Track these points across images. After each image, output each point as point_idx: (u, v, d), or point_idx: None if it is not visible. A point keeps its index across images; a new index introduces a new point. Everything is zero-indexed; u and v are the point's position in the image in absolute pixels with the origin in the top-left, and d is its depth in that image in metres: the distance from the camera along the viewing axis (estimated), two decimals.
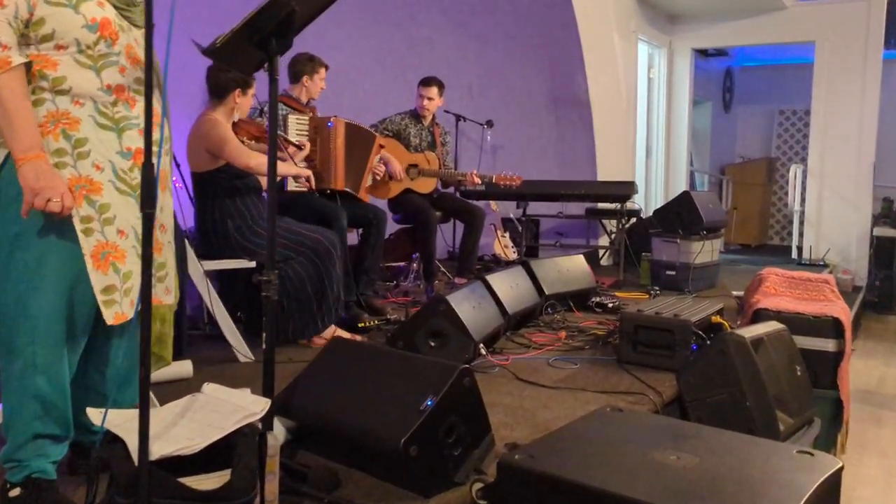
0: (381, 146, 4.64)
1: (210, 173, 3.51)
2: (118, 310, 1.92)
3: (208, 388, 1.87)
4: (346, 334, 3.68)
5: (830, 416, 3.48)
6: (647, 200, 8.09)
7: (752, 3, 7.62)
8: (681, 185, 8.30)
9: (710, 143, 10.29)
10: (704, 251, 5.29)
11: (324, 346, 2.48)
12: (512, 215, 6.47)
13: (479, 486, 2.03)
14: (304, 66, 4.28)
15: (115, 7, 1.95)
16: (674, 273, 5.25)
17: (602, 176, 6.74)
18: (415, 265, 5.35)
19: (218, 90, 3.53)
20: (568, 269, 4.49)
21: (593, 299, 4.52)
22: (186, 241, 3.25)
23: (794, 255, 8.10)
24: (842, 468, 1.81)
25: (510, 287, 3.81)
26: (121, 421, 1.64)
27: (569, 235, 7.07)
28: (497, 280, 3.71)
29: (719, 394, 2.84)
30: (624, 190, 5.93)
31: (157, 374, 3.04)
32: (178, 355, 3.32)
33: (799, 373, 3.06)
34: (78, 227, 1.86)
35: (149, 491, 1.52)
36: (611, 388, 3.01)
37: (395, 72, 6.62)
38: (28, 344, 1.84)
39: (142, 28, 2.03)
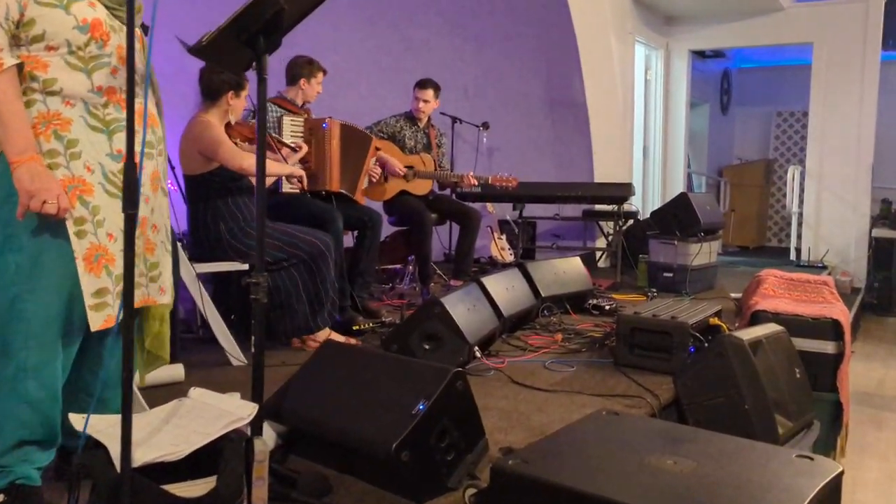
0: (378, 149, 4.61)
1: (203, 175, 3.48)
2: (111, 312, 1.89)
3: (195, 392, 1.83)
4: (340, 337, 3.65)
5: (830, 419, 3.44)
6: (645, 202, 8.06)
7: (749, 4, 7.60)
8: (678, 187, 8.26)
9: (707, 144, 10.27)
10: (702, 253, 5.26)
11: (315, 350, 2.45)
12: (508, 217, 6.44)
13: (472, 491, 1.99)
14: (303, 68, 4.25)
15: (107, 7, 1.93)
16: (671, 275, 5.22)
17: (599, 178, 6.71)
18: (410, 267, 5.32)
19: (210, 92, 3.49)
20: (564, 271, 4.46)
21: (590, 301, 4.48)
22: (179, 244, 3.22)
23: (793, 256, 8.07)
24: (842, 473, 1.77)
25: (506, 289, 3.77)
26: (104, 426, 1.60)
27: (566, 237, 7.03)
28: (492, 282, 3.67)
29: (717, 397, 2.80)
30: (620, 192, 5.90)
31: (148, 378, 3.01)
32: (170, 359, 3.29)
33: (798, 375, 3.03)
34: (71, 229, 1.84)
35: (131, 499, 1.48)
36: (607, 392, 2.98)
37: (391, 74, 6.59)
38: (21, 348, 1.81)
39: (134, 28, 2.01)
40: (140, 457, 1.53)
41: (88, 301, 1.85)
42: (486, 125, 6.36)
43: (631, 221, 6.46)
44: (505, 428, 2.56)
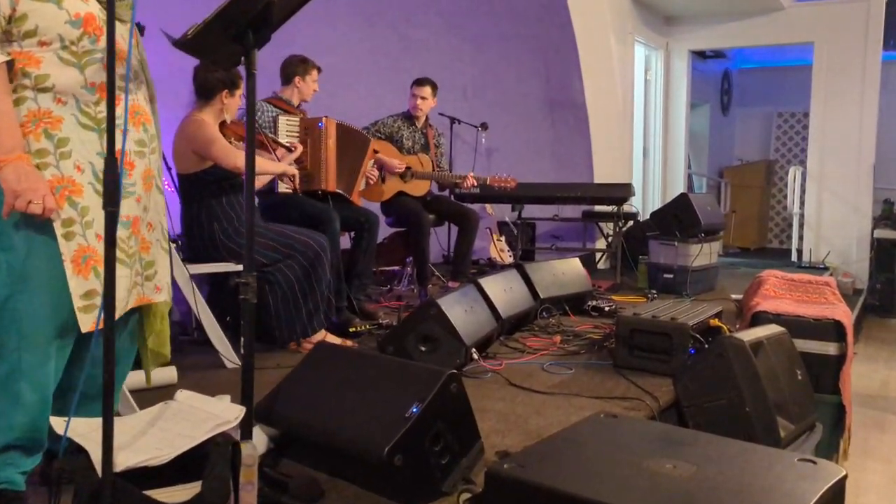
0: (376, 151, 4.58)
1: (197, 175, 3.44)
2: (100, 314, 1.85)
3: (181, 395, 1.79)
4: (336, 339, 3.60)
5: (832, 422, 3.40)
6: (645, 203, 8.01)
7: (750, 4, 7.55)
8: (678, 188, 8.22)
9: (708, 145, 10.23)
10: (703, 254, 5.21)
11: (307, 352, 2.40)
12: (507, 219, 6.39)
13: (466, 496, 1.95)
14: (297, 67, 4.22)
15: (99, 2, 1.90)
16: (671, 276, 5.17)
17: (599, 179, 6.67)
18: (408, 269, 5.27)
19: (205, 90, 3.46)
20: (563, 272, 4.41)
21: (589, 303, 4.44)
22: (173, 245, 3.18)
23: (794, 258, 8.02)
24: (845, 477, 1.73)
25: (504, 291, 3.73)
26: (85, 430, 1.56)
27: (565, 239, 6.99)
28: (490, 283, 3.63)
29: (718, 399, 2.76)
30: (620, 192, 5.85)
31: (139, 381, 2.97)
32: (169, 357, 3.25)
33: (800, 377, 2.98)
34: (58, 231, 1.81)
35: None
36: (606, 394, 2.93)
37: (389, 74, 6.54)
38: (14, 349, 1.79)
39: (126, 23, 1.98)
40: (122, 461, 1.49)
41: (77, 303, 1.83)
42: (484, 126, 6.32)
43: (631, 222, 6.41)
44: (502, 431, 2.52)
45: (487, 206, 6.34)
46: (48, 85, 1.81)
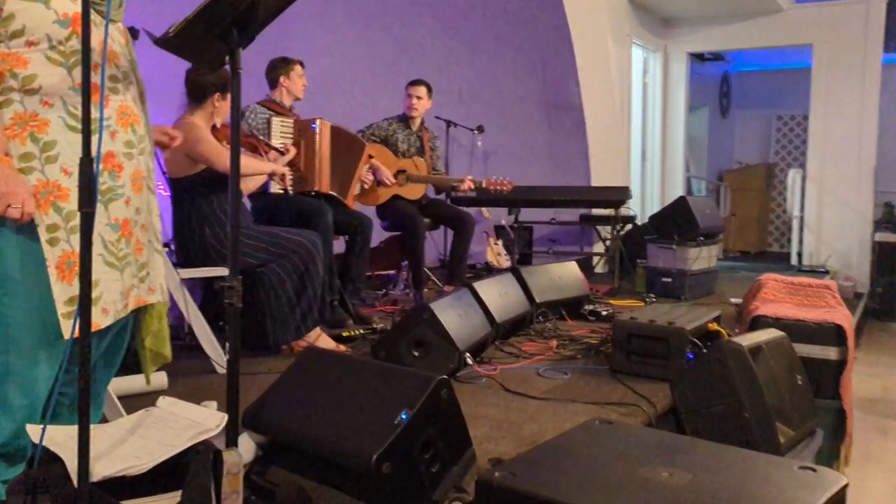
0: (371, 156, 4.54)
1: (188, 178, 3.40)
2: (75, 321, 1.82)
3: (164, 402, 1.74)
4: (330, 341, 3.55)
5: (833, 428, 3.35)
6: (643, 207, 7.97)
7: (748, 6, 7.52)
8: (677, 191, 8.18)
9: (707, 148, 10.19)
10: (701, 258, 5.17)
11: (296, 357, 2.35)
12: (504, 222, 6.34)
13: None
14: (279, 68, 4.20)
15: (88, 3, 1.86)
16: (670, 280, 5.13)
17: (596, 182, 6.62)
18: (404, 273, 5.23)
19: (196, 93, 3.42)
20: (560, 276, 4.36)
21: (586, 307, 4.39)
22: (163, 250, 3.14)
23: (794, 261, 7.98)
24: (846, 486, 1.67)
25: (499, 295, 3.68)
26: (62, 438, 1.51)
27: (563, 242, 6.94)
28: (485, 287, 3.58)
29: (716, 405, 2.70)
30: (617, 195, 5.80)
31: (129, 386, 2.93)
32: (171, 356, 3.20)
33: (800, 382, 2.93)
34: (43, 236, 1.78)
35: None
36: (602, 399, 2.88)
37: (385, 77, 6.51)
38: (2, 352, 1.76)
39: (114, 22, 1.95)
40: (100, 471, 1.44)
41: (61, 309, 1.80)
42: (480, 129, 6.28)
43: (629, 226, 6.37)
44: (495, 437, 2.47)
45: (484, 209, 6.29)
46: (35, 86, 1.78)
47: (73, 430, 1.50)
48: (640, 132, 8.04)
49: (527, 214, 6.26)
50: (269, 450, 2.19)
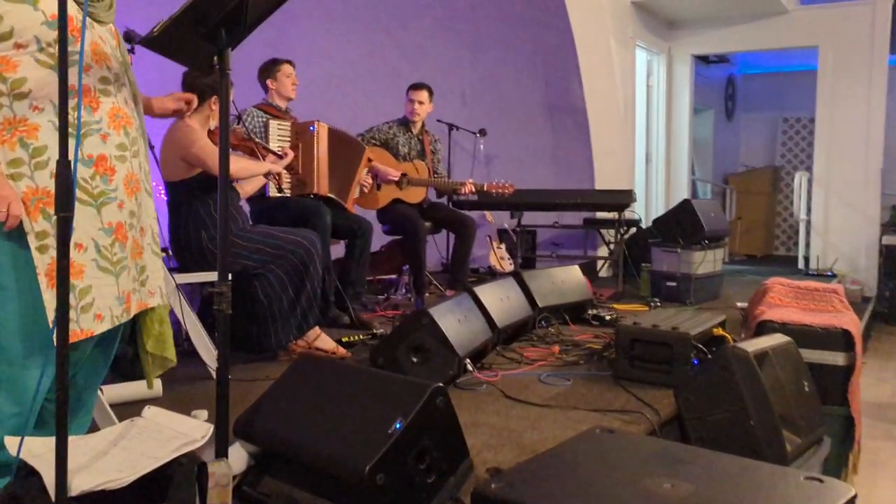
0: (370, 160, 4.49)
1: (184, 182, 3.36)
2: (74, 328, 1.79)
3: (149, 411, 1.70)
4: (329, 341, 3.49)
5: (841, 435, 3.28)
6: (648, 210, 7.90)
7: (753, 8, 7.45)
8: (682, 195, 8.10)
9: (712, 151, 10.11)
10: (707, 261, 5.11)
11: (289, 365, 2.30)
12: (507, 226, 6.29)
13: None
14: (265, 72, 4.18)
15: (77, 3, 1.83)
16: (674, 284, 5.07)
17: (600, 185, 6.56)
18: (405, 278, 5.17)
19: None
20: (563, 280, 4.31)
21: (590, 311, 4.33)
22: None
23: (801, 265, 7.89)
24: (855, 497, 1.62)
25: (500, 300, 3.63)
26: (41, 450, 1.46)
27: (566, 246, 6.88)
28: (486, 292, 3.53)
29: (721, 412, 2.64)
30: (621, 199, 5.74)
31: (123, 393, 2.89)
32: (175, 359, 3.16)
33: (806, 389, 2.87)
34: (33, 244, 1.75)
35: None
36: (605, 406, 2.82)
37: (386, 80, 6.47)
38: None
39: (106, 24, 1.92)
40: (79, 484, 1.39)
41: (52, 316, 1.76)
42: (482, 132, 6.22)
43: (633, 229, 6.31)
44: (494, 446, 2.41)
45: (487, 213, 6.24)
46: (25, 90, 1.75)
47: (53, 441, 1.45)
48: (644, 135, 7.97)
49: (530, 218, 6.20)
50: (262, 460, 2.14)
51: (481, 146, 6.40)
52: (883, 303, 7.31)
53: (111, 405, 2.71)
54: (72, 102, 1.80)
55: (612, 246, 6.42)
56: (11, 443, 1.51)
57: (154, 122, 3.58)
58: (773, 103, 10.39)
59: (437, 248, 5.80)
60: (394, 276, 5.41)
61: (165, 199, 3.59)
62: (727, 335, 3.28)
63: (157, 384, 2.93)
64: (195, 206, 3.35)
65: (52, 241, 1.77)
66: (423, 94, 4.95)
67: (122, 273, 1.91)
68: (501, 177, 5.08)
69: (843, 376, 3.38)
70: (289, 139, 3.97)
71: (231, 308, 3.49)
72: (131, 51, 3.79)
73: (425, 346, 2.96)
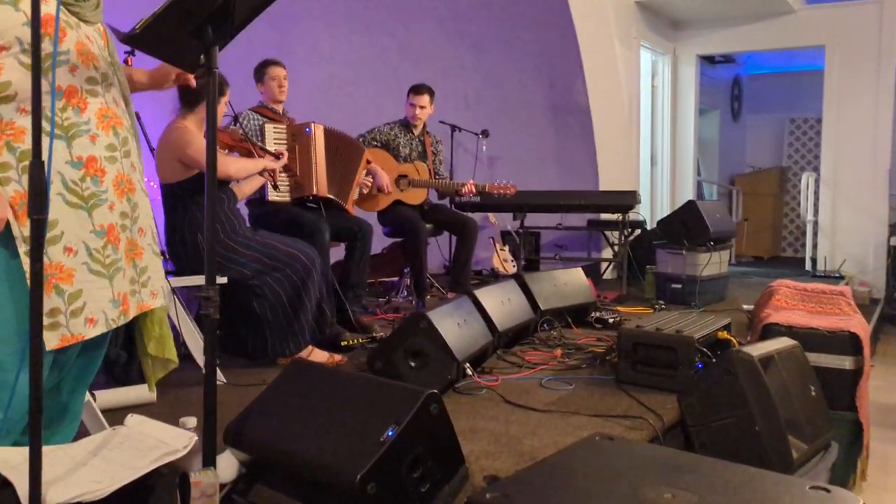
0: (369, 161, 4.44)
1: (180, 184, 3.32)
2: (64, 332, 1.77)
3: (132, 420, 1.65)
4: (323, 355, 3.45)
5: (849, 440, 3.21)
6: (653, 212, 7.84)
7: (759, 7, 7.38)
8: (688, 196, 8.03)
9: (718, 152, 10.04)
10: (712, 263, 5.04)
11: (281, 371, 2.25)
12: (510, 228, 6.23)
13: None
14: (256, 73, 4.14)
15: (62, 3, 1.79)
16: (680, 286, 5.00)
17: (604, 186, 6.50)
18: (407, 280, 5.12)
19: (188, 98, 3.34)
20: (565, 282, 4.24)
21: (593, 314, 4.27)
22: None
23: (809, 266, 7.81)
24: None
25: (501, 302, 3.57)
26: (18, 460, 1.41)
27: (570, 248, 6.82)
28: (486, 295, 3.47)
29: (725, 418, 2.58)
30: (625, 200, 5.67)
31: (117, 399, 2.84)
32: (142, 378, 3.11)
33: (813, 393, 2.80)
34: (21, 248, 1.71)
35: None
36: (606, 412, 2.76)
37: (389, 82, 6.42)
38: None
39: (93, 24, 1.88)
40: (54, 496, 1.34)
41: (42, 321, 1.70)
42: (485, 133, 6.17)
43: (638, 231, 6.24)
44: (493, 453, 2.36)
45: (490, 215, 6.19)
46: (10, 93, 1.71)
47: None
48: (649, 136, 7.91)
49: (533, 220, 6.15)
50: (253, 468, 2.10)
51: (484, 147, 6.35)
52: (891, 305, 7.23)
53: (106, 410, 2.68)
54: (60, 103, 1.78)
55: (616, 248, 6.36)
56: None
57: (155, 124, 3.54)
58: (780, 104, 10.31)
59: (439, 250, 5.75)
60: (395, 279, 5.36)
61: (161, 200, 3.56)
62: (732, 338, 3.21)
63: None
64: (191, 209, 3.31)
65: None
66: (425, 99, 4.90)
67: (117, 275, 1.88)
68: (505, 178, 5.03)
69: (851, 380, 3.32)
70: (285, 142, 3.92)
71: (223, 313, 3.46)
72: (132, 52, 3.76)
73: (423, 351, 2.90)
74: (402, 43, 6.62)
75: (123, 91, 2.00)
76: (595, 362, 3.44)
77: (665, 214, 6.86)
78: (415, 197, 4.85)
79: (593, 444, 2.00)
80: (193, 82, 2.22)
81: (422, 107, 4.91)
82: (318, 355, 3.44)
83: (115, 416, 2.47)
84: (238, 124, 3.84)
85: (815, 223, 7.81)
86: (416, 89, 4.93)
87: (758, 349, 2.69)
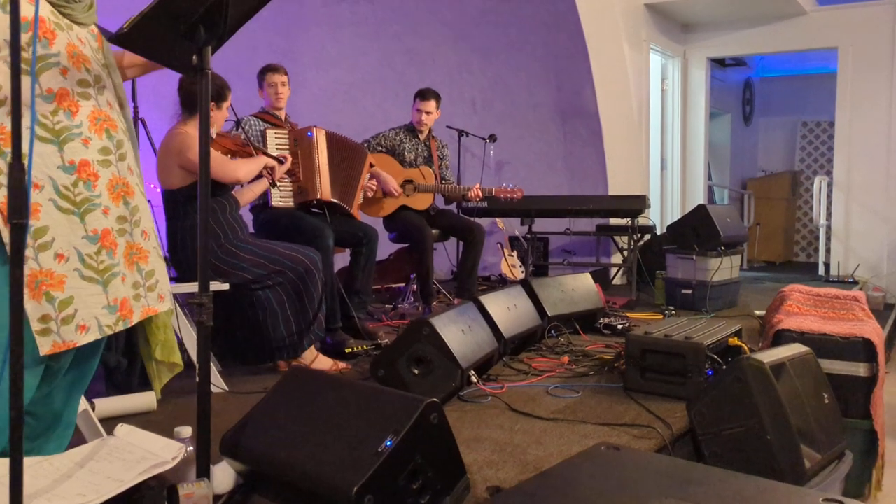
0: (372, 164, 4.40)
1: (182, 190, 3.29)
2: (56, 339, 1.74)
3: (121, 430, 1.60)
4: (327, 361, 3.41)
5: (864, 449, 3.14)
6: (663, 216, 7.76)
7: (770, 9, 7.30)
8: (698, 200, 7.95)
9: (729, 156, 9.94)
10: (723, 268, 4.97)
11: (279, 379, 2.21)
12: (518, 233, 6.17)
13: None
14: (258, 79, 4.07)
15: (52, 4, 1.76)
16: (690, 292, 4.93)
17: (614, 191, 6.43)
18: (413, 286, 5.07)
19: (190, 103, 3.31)
20: (573, 288, 4.18)
21: (602, 320, 4.20)
22: None
23: (822, 271, 7.71)
24: None
25: (507, 309, 3.51)
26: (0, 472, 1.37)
27: (579, 254, 6.75)
28: (492, 301, 3.42)
29: (736, 426, 2.51)
30: (634, 204, 5.60)
31: (118, 406, 2.81)
32: (142, 385, 3.08)
33: (826, 401, 2.73)
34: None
35: None
36: (614, 420, 2.70)
37: (396, 87, 6.39)
38: None
39: (85, 25, 1.85)
40: None
41: (35, 326, 1.70)
42: (492, 137, 6.11)
43: (647, 236, 6.16)
44: (497, 462, 2.30)
45: (498, 220, 6.13)
46: (0, 97, 1.68)
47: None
48: (658, 140, 7.84)
49: (542, 225, 6.08)
50: (250, 478, 2.05)
51: (491, 152, 6.29)
52: None
53: (106, 419, 2.64)
54: (51, 107, 1.75)
55: (625, 253, 6.28)
56: None
57: (160, 130, 3.51)
58: (792, 107, 10.21)
59: (447, 256, 5.70)
60: (402, 285, 5.32)
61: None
62: (743, 345, 3.15)
63: (151, 397, 2.87)
64: (192, 215, 3.28)
65: (30, 253, 1.71)
66: (431, 104, 4.86)
67: (113, 280, 1.85)
68: (512, 183, 4.98)
69: (865, 388, 3.24)
70: (287, 147, 3.89)
71: (225, 320, 3.42)
72: None
73: (427, 358, 2.85)
74: (409, 48, 6.58)
75: (119, 94, 1.97)
76: (603, 369, 3.38)
77: (675, 219, 6.79)
78: (421, 202, 4.81)
79: (599, 455, 1.95)
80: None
81: (428, 112, 4.87)
82: (322, 362, 3.40)
83: (116, 424, 2.44)
84: (240, 129, 3.80)
85: (828, 227, 7.72)
86: (423, 94, 4.88)
87: (769, 356, 2.62)
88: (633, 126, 6.78)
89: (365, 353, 3.68)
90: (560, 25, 6.12)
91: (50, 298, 1.72)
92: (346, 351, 3.64)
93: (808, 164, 10.25)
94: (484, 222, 5.38)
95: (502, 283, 5.84)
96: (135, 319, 1.91)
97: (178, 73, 2.55)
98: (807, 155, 10.28)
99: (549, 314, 3.87)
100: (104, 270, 1.83)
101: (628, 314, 4.65)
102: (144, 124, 4.47)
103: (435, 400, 1.88)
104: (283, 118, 4.08)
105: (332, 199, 3.95)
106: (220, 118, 3.39)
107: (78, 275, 1.77)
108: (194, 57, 1.75)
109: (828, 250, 7.72)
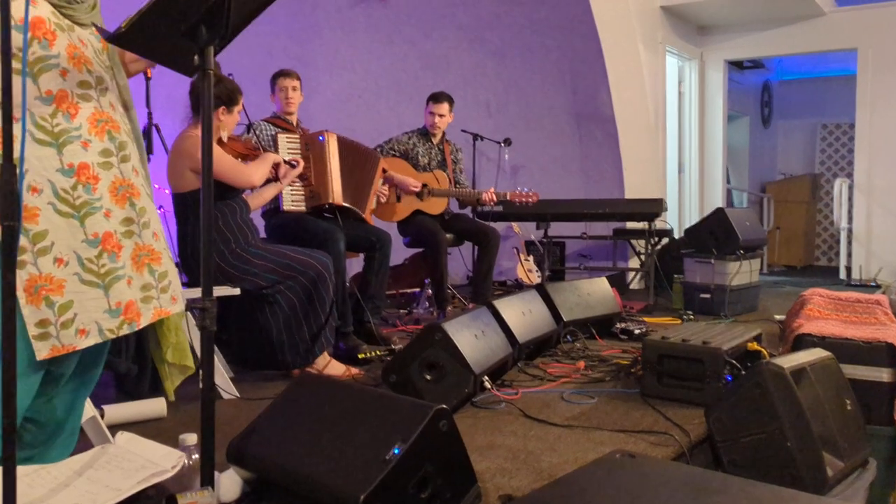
0: (385, 170, 4.36)
1: (192, 193, 3.26)
2: (55, 343, 1.71)
3: (121, 438, 1.57)
4: (340, 367, 3.38)
5: (888, 457, 3.06)
6: (681, 220, 7.67)
7: (788, 10, 7.22)
8: (717, 204, 7.86)
9: (748, 159, 9.83)
10: (742, 272, 4.89)
11: (287, 386, 2.17)
12: (534, 238, 6.12)
13: None
14: (270, 84, 4.05)
15: (53, 5, 1.74)
16: (708, 296, 4.85)
17: (630, 195, 6.36)
18: (428, 291, 5.03)
19: (200, 106, 3.28)
20: (589, 293, 4.12)
21: (619, 325, 4.14)
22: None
23: (843, 275, 7.59)
24: None
25: (522, 314, 3.46)
26: None
27: (595, 258, 6.68)
28: (506, 306, 3.37)
29: (755, 433, 2.45)
30: (651, 208, 5.53)
31: (128, 413, 2.78)
32: (153, 391, 3.06)
33: (849, 407, 2.66)
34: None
35: None
36: (630, 427, 2.64)
37: (410, 91, 6.36)
38: None
39: (87, 26, 1.82)
40: None
41: (32, 331, 1.69)
42: (507, 141, 6.07)
43: (665, 240, 6.09)
44: (510, 470, 2.25)
45: (514, 224, 6.08)
46: None
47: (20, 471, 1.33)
48: (676, 143, 7.76)
49: (557, 229, 6.03)
50: (257, 486, 2.01)
51: (506, 156, 6.25)
52: None
53: (116, 425, 2.61)
54: (49, 109, 1.73)
55: (642, 257, 6.21)
56: None
57: (172, 132, 3.49)
58: (811, 109, 10.09)
59: (462, 260, 5.65)
60: (416, 290, 5.28)
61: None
62: (763, 350, 3.08)
63: (161, 403, 2.85)
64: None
65: (29, 257, 1.69)
66: (444, 107, 4.83)
67: (115, 283, 1.82)
68: (528, 187, 4.93)
69: (889, 393, 3.16)
70: (298, 151, 3.86)
71: (237, 326, 3.39)
72: None
73: (439, 363, 2.80)
74: (423, 51, 6.56)
75: (124, 95, 1.94)
76: (619, 375, 3.32)
77: (693, 223, 6.71)
78: (435, 206, 4.77)
79: (614, 462, 1.90)
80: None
81: (441, 115, 4.84)
82: (335, 368, 3.37)
83: (126, 431, 2.41)
84: (252, 133, 3.79)
85: (850, 231, 7.60)
86: (436, 97, 4.85)
87: (789, 361, 2.55)
88: (649, 129, 6.72)
89: (378, 358, 3.65)
90: (575, 28, 6.07)
91: (49, 303, 1.70)
92: (360, 356, 3.60)
93: (828, 167, 10.12)
94: (499, 226, 5.33)
95: (518, 287, 5.78)
96: (143, 322, 1.88)
97: (190, 78, 2.55)
98: (827, 157, 10.15)
99: (565, 319, 3.82)
100: (105, 274, 1.80)
101: (645, 319, 4.59)
102: (159, 130, 4.46)
103: (444, 407, 1.83)
104: (294, 123, 4.06)
105: (344, 204, 3.92)
106: (231, 122, 3.38)
107: (78, 279, 1.75)
108: (196, 57, 1.71)
109: (849, 254, 7.60)
